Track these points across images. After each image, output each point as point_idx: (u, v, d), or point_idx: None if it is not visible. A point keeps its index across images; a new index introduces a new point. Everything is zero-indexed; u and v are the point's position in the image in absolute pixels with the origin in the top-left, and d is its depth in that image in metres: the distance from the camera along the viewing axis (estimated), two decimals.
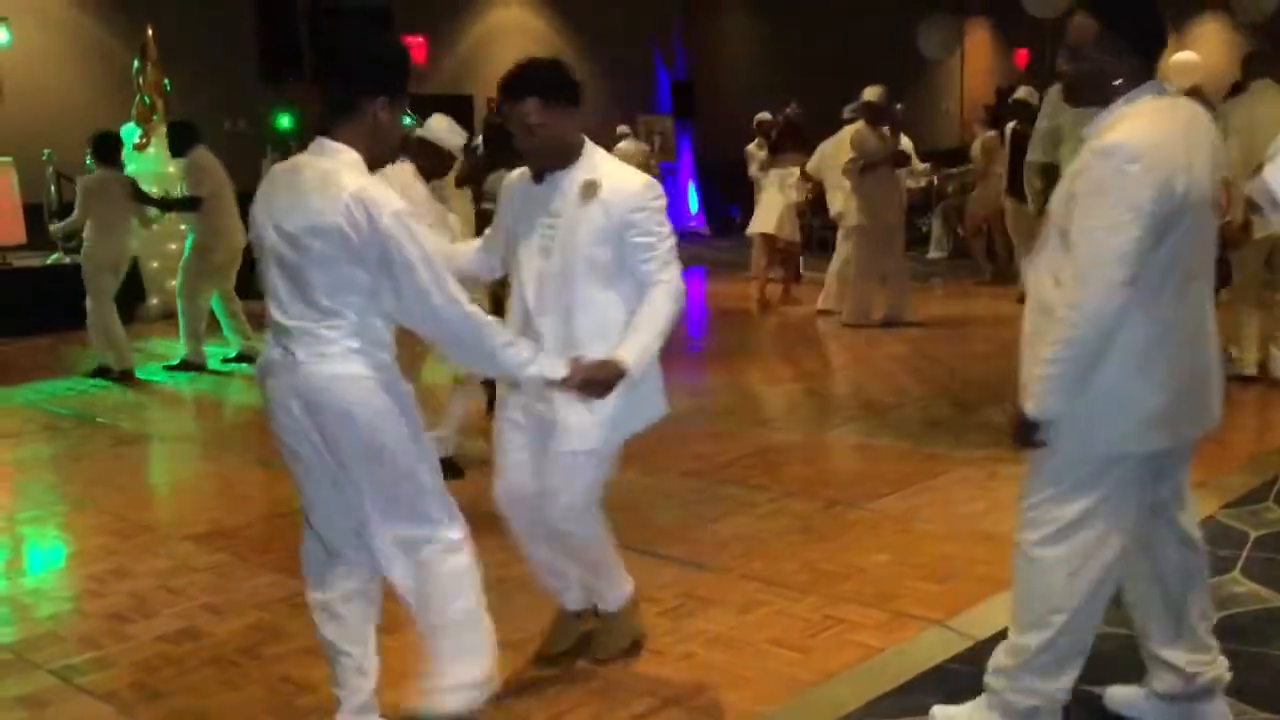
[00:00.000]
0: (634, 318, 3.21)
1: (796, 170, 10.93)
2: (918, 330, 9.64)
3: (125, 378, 8.56)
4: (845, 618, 3.94)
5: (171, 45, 12.04)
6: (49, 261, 11.12)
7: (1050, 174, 6.02)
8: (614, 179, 3.26)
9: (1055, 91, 6.28)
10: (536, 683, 3.53)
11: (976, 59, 22.99)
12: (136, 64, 11.88)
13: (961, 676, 3.44)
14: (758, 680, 3.52)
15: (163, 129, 11.95)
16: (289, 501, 5.72)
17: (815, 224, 13.05)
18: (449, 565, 2.94)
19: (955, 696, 3.31)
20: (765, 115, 13.09)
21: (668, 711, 3.33)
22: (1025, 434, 2.78)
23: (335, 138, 2.83)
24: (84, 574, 4.75)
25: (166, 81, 11.87)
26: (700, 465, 5.90)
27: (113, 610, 4.26)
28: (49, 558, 5.16)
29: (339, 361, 2.78)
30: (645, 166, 15.07)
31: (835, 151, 10.20)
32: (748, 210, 12.21)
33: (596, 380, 3.04)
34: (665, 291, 3.23)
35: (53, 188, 11.44)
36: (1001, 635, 3.68)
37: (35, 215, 11.02)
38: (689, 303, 12.43)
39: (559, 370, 2.98)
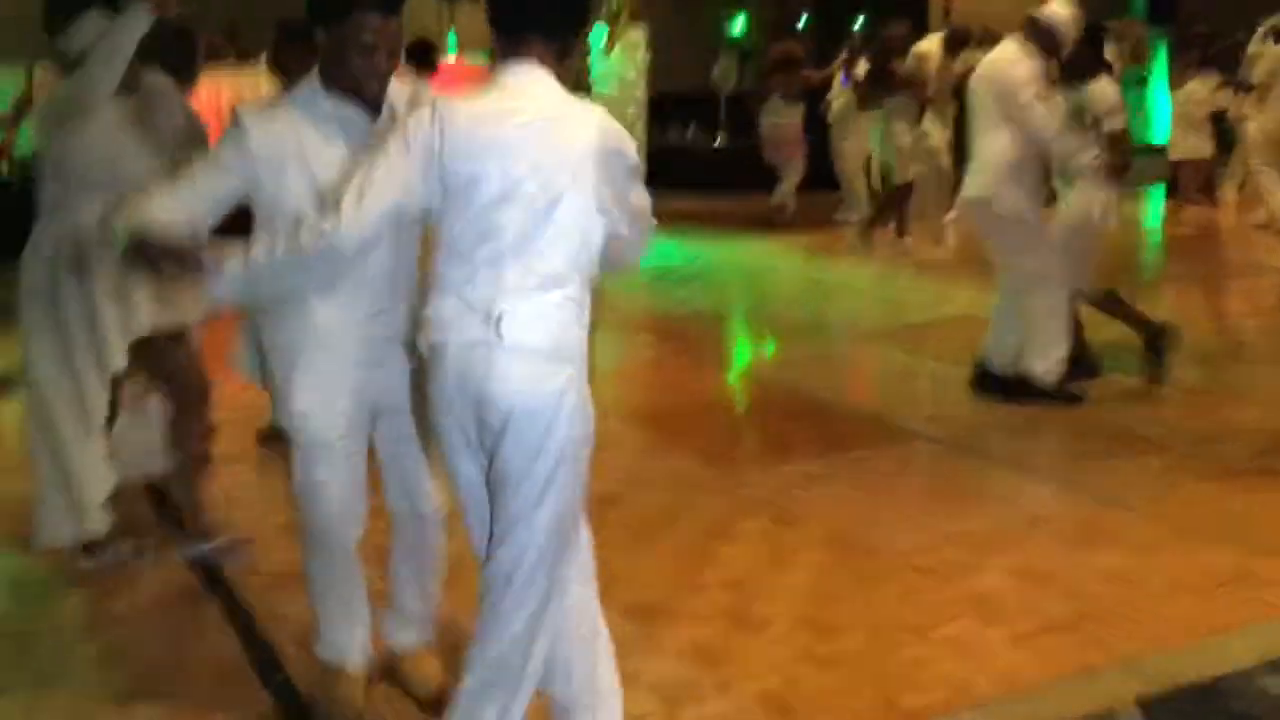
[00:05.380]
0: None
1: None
2: None
3: None
4: (1259, 573, 3.72)
5: None
6: None
7: None
8: None
9: None
10: (915, 589, 3.65)
11: None
12: None
13: None
14: (1146, 622, 3.43)
15: (629, 33, 12.69)
16: (712, 393, 6.15)
17: None
18: None
19: None
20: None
21: (1047, 637, 3.34)
22: None
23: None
24: None
25: None
26: (1124, 399, 5.64)
27: None
28: None
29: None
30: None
31: None
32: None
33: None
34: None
35: None
36: None
37: None
38: (1141, 224, 11.78)
39: None
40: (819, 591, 3.63)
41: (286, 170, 2.64)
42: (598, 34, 12.13)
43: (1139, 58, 16.77)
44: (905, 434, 5.16)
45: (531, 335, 2.37)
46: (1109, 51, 13.85)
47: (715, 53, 13.66)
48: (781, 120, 11.18)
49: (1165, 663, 3.19)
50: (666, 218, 12.38)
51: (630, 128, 13.61)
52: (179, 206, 2.58)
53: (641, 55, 12.26)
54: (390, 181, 2.40)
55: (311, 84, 2.72)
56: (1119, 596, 3.59)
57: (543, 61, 2.45)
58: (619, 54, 12.16)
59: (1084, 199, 5.46)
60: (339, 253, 2.44)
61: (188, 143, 3.72)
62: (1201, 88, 10.60)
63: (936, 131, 9.40)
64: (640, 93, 12.31)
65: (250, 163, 2.64)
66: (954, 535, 4.05)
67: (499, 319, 2.35)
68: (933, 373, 6.16)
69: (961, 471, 4.71)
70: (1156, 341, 5.72)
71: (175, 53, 3.97)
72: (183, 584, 3.73)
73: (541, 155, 2.37)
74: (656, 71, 12.52)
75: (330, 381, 2.72)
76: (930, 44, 9.60)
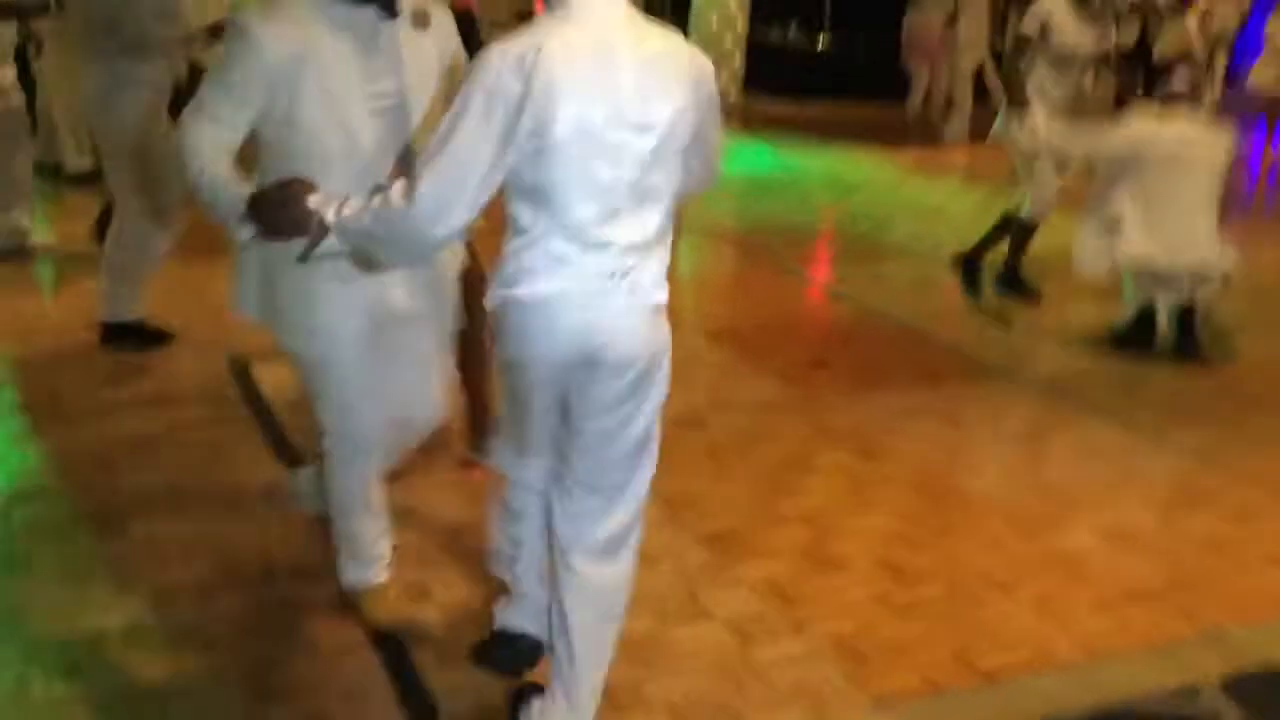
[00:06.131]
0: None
1: None
2: None
3: None
4: None
5: None
6: None
7: None
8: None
9: None
10: (999, 541, 3.56)
11: None
12: None
13: None
14: (1236, 594, 3.32)
15: None
16: (797, 312, 6.03)
17: None
18: None
19: None
20: None
21: (1132, 603, 3.25)
22: None
23: None
24: None
25: None
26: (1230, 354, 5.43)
27: None
28: None
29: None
30: None
31: None
32: None
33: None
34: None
35: None
36: None
37: None
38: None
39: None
40: (900, 534, 3.57)
41: (302, 79, 2.43)
42: None
43: None
44: (999, 373, 5.03)
45: (653, 290, 2.32)
46: None
47: None
48: (922, 17, 10.80)
49: (1253, 639, 3.10)
50: (760, 123, 12.17)
51: (731, 23, 13.40)
52: (226, 154, 2.39)
53: None
54: (474, 167, 2.08)
55: None
56: (1210, 565, 3.48)
57: None
58: None
59: None
60: (421, 241, 2.15)
61: None
62: None
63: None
64: None
65: (269, 78, 2.41)
66: (1044, 486, 3.95)
67: (625, 274, 2.24)
68: (1031, 310, 5.98)
69: (1055, 419, 4.58)
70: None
71: None
72: (269, 479, 3.75)
73: (648, 97, 2.16)
74: None
75: (343, 301, 2.63)
76: None
